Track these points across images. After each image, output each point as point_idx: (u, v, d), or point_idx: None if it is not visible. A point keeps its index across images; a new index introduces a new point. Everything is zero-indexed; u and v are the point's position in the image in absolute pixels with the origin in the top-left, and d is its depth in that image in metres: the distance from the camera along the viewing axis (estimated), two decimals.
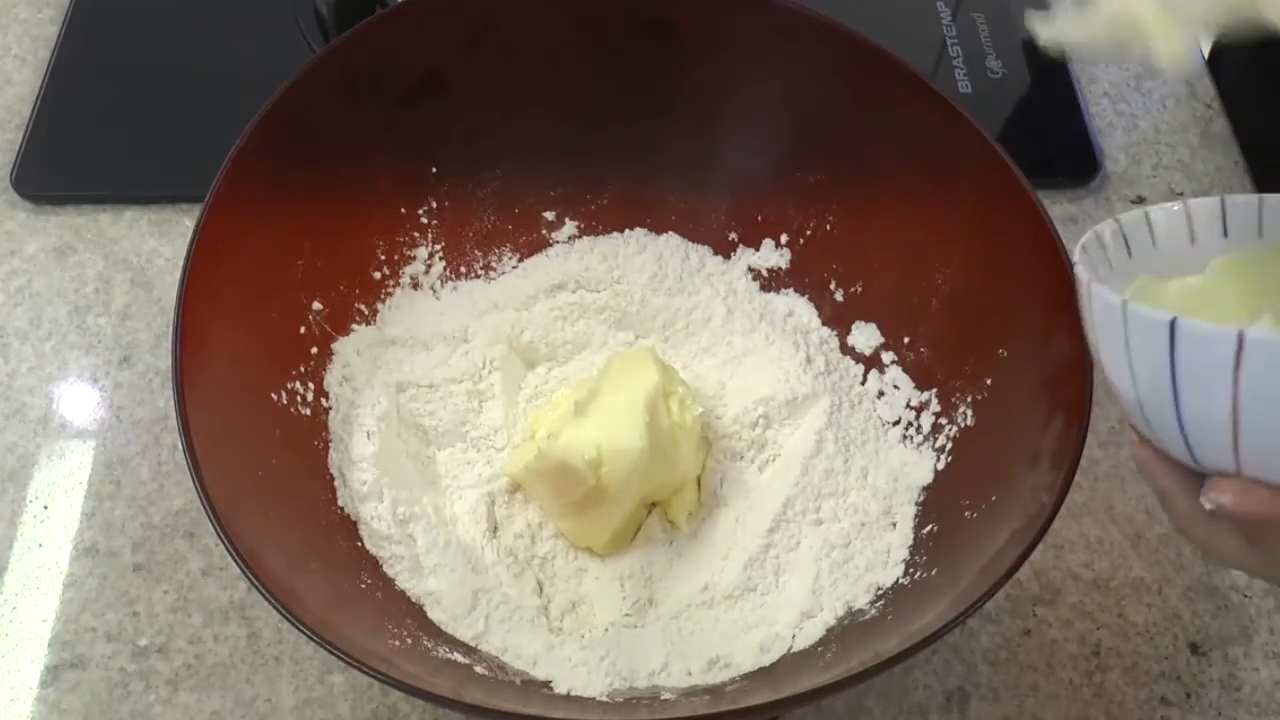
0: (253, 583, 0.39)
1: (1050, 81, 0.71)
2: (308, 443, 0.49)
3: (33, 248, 0.63)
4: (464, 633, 0.47)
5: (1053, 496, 0.41)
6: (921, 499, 0.50)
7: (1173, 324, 0.34)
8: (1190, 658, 0.52)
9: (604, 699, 0.45)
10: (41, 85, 0.68)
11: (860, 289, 0.56)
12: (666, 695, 0.45)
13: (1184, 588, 0.54)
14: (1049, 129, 0.69)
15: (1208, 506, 0.37)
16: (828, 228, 0.57)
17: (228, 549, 0.39)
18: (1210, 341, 0.33)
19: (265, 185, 0.50)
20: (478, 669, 0.45)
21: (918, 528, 0.49)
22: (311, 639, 0.38)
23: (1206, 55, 0.74)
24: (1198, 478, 0.37)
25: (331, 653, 0.38)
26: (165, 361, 0.59)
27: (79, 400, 0.58)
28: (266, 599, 0.39)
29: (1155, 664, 0.52)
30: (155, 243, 0.63)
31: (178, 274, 0.45)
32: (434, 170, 0.56)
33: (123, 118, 0.68)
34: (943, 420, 0.51)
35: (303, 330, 0.51)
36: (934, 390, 0.52)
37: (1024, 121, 0.69)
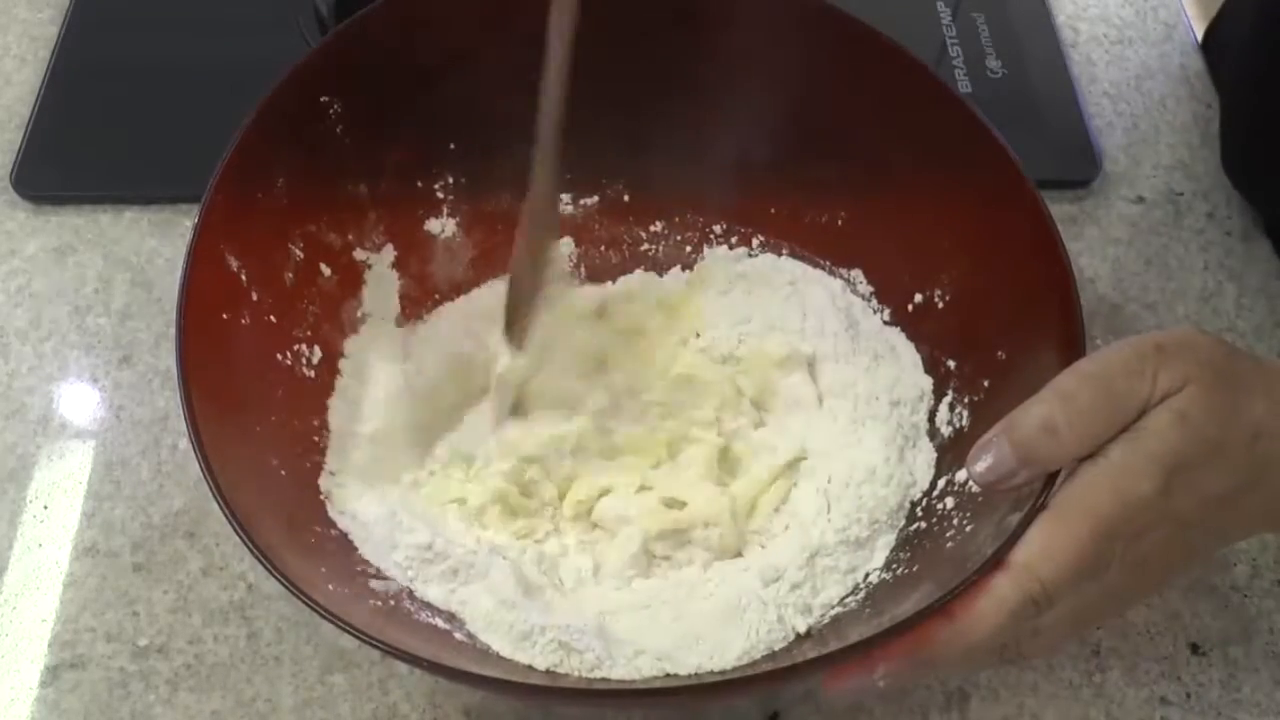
0: (259, 560, 0.39)
1: (1050, 81, 0.71)
2: (307, 424, 0.50)
3: (33, 248, 0.63)
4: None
5: (1030, 502, 0.41)
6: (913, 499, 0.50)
7: None
8: (1190, 658, 0.52)
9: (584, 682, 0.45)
10: (41, 85, 0.68)
11: (868, 287, 0.56)
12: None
13: (1184, 588, 0.54)
14: (1049, 129, 0.69)
15: (967, 475, 0.42)
16: (839, 223, 0.57)
17: (226, 515, 0.40)
18: None
19: (286, 149, 0.51)
20: (457, 635, 0.46)
21: (904, 526, 0.49)
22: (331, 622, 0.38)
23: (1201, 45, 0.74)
24: None
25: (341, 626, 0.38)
26: (165, 361, 0.59)
27: (79, 400, 0.58)
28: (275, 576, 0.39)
29: (1155, 664, 0.52)
30: (155, 243, 0.63)
31: (178, 274, 0.45)
32: (451, 147, 0.56)
33: (123, 118, 0.68)
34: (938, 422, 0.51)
35: (313, 310, 0.52)
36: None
37: (1024, 121, 0.69)
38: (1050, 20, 0.74)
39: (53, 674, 0.51)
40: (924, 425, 0.51)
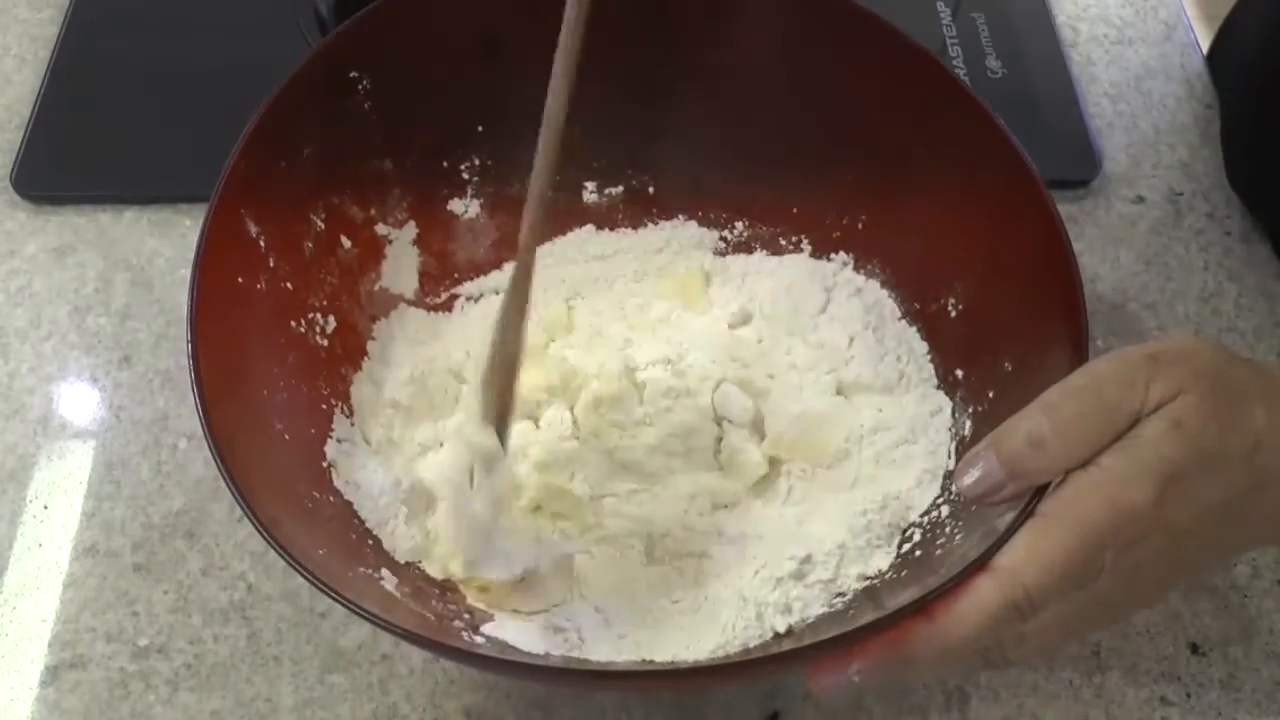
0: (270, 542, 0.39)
1: (1050, 81, 0.71)
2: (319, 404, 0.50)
3: (33, 248, 0.63)
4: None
5: (1020, 507, 0.40)
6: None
7: None
8: (1190, 658, 0.52)
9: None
10: (41, 85, 0.68)
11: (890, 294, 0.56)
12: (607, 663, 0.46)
13: (1184, 588, 0.54)
14: (1049, 129, 0.69)
15: (955, 489, 0.42)
16: (859, 225, 0.57)
17: (243, 509, 0.40)
18: None
19: (313, 121, 0.51)
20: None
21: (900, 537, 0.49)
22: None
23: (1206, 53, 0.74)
24: None
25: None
26: (165, 361, 0.59)
27: (79, 400, 0.58)
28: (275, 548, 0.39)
29: (1155, 664, 0.52)
30: (155, 243, 0.63)
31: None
32: (479, 129, 0.57)
33: (123, 118, 0.68)
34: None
35: (334, 278, 0.52)
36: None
37: (1024, 121, 0.69)
38: (1050, 20, 0.74)
39: (53, 674, 0.51)
40: (944, 451, 0.51)
